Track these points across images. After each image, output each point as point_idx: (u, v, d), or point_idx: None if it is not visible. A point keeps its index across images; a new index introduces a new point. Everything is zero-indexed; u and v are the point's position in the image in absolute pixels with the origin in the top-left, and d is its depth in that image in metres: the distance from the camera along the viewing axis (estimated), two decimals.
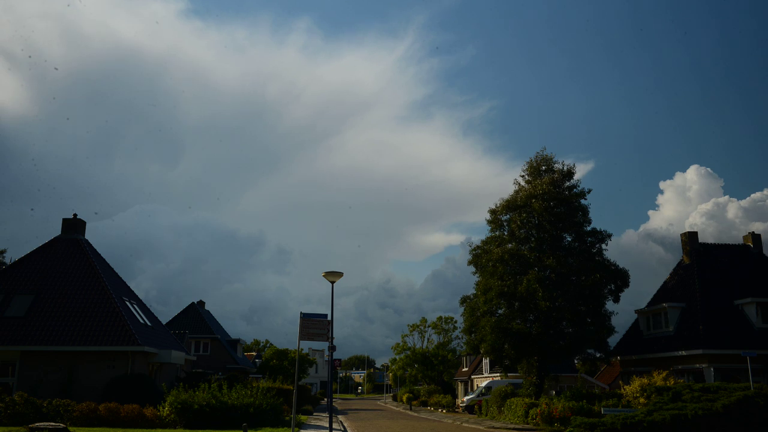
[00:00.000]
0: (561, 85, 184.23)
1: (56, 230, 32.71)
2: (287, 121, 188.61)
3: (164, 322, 42.15)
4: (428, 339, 72.31)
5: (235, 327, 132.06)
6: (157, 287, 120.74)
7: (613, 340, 33.41)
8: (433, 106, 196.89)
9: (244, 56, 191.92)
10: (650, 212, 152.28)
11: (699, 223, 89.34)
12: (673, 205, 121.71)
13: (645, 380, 26.06)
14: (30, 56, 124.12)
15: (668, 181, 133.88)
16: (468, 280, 76.62)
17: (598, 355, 32.85)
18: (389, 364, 78.81)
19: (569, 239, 33.00)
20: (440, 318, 72.14)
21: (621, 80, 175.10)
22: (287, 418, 25.95)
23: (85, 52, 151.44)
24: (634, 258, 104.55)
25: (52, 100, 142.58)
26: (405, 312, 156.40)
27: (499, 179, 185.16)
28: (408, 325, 73.38)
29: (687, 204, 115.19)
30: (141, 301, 33.69)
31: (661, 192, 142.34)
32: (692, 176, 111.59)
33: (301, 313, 20.23)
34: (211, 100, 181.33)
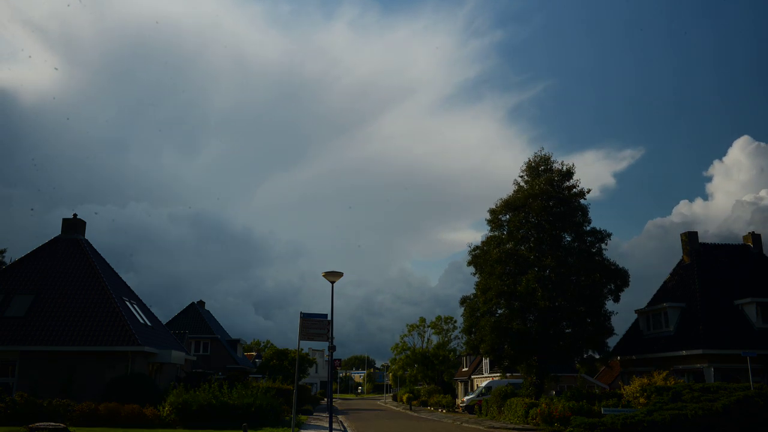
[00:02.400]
0: (626, 65, 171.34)
1: (56, 230, 32.79)
2: (324, 105, 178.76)
3: (164, 322, 42.15)
4: (428, 339, 72.33)
5: (250, 323, 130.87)
6: (166, 285, 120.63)
7: (613, 341, 33.46)
8: (484, 86, 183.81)
9: (287, 31, 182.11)
10: (697, 199, 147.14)
11: (748, 212, 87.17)
12: (723, 192, 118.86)
13: (645, 380, 26.04)
14: (30, 56, 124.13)
15: (718, 167, 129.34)
16: None
17: (597, 356, 32.85)
18: (389, 364, 78.78)
19: (569, 239, 33.00)
20: (440, 318, 72.11)
21: (699, 58, 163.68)
22: (287, 418, 25.95)
23: (114, 33, 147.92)
24: (662, 251, 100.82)
25: (64, 88, 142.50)
26: (420, 305, 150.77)
27: None
28: (407, 325, 73.27)
29: (735, 193, 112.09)
30: (141, 301, 33.68)
31: (710, 179, 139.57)
32: (744, 160, 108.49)
33: (301, 313, 20.24)
34: (243, 83, 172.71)
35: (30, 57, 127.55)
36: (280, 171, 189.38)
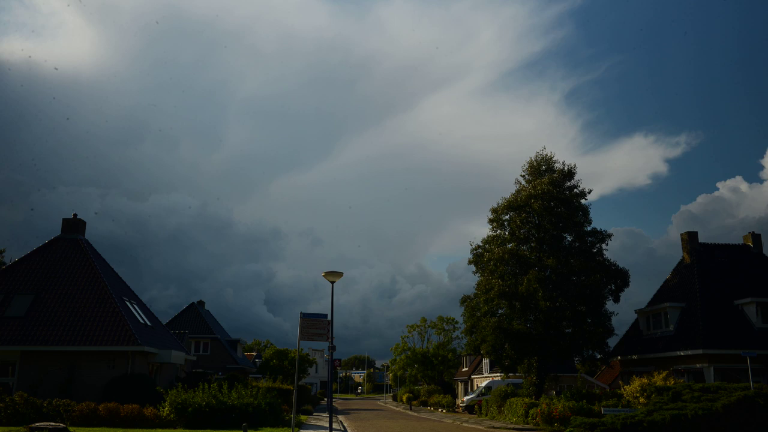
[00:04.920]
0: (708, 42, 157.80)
1: (56, 230, 32.78)
2: (370, 86, 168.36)
3: (164, 322, 42.14)
4: (428, 339, 72.38)
5: (263, 319, 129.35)
6: (178, 282, 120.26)
7: (613, 341, 33.46)
8: (548, 61, 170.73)
9: (340, 3, 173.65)
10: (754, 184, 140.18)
11: None
12: None
13: (645, 380, 26.04)
14: (30, 56, 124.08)
15: None
16: None
17: (597, 356, 32.87)
18: (389, 364, 78.79)
19: (569, 239, 33.02)
20: (440, 318, 72.19)
21: None
22: (287, 417, 25.96)
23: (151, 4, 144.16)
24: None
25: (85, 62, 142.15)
26: (438, 299, 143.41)
27: (588, 158, 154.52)
28: (407, 326, 73.42)
29: None
30: (141, 300, 33.70)
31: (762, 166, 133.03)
32: None
33: (300, 313, 20.23)
34: (283, 63, 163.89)
35: (30, 57, 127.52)
36: (306, 160, 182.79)
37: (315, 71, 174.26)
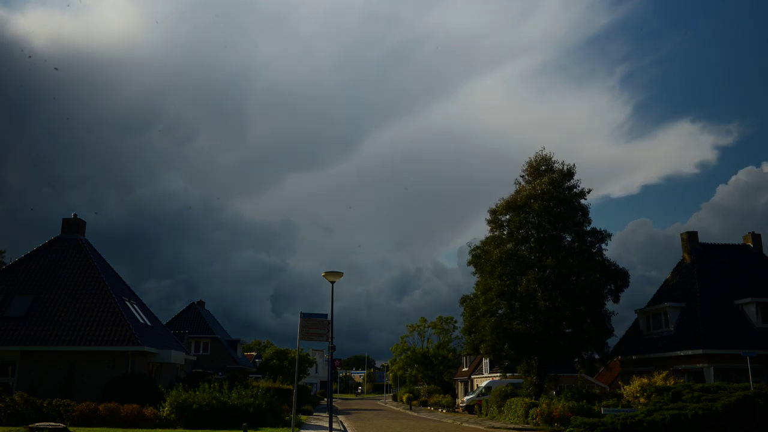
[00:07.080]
0: None
1: (56, 230, 32.78)
2: (411, 68, 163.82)
3: (164, 322, 42.14)
4: (428, 339, 72.39)
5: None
6: (181, 277, 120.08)
7: (613, 341, 33.45)
8: (617, 34, 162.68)
9: None
10: None
11: None
12: None
13: (645, 380, 26.02)
14: (30, 56, 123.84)
15: None
16: None
17: (597, 356, 32.86)
18: (389, 364, 78.81)
19: (569, 239, 33.02)
20: (440, 318, 72.20)
21: None
22: (287, 417, 25.96)
23: None
24: None
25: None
26: (456, 294, 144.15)
27: (634, 145, 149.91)
28: (407, 326, 73.48)
29: None
30: (141, 300, 33.70)
31: None
32: None
33: (300, 313, 20.23)
34: (317, 42, 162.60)
35: (30, 57, 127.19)
36: (328, 153, 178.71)
37: (357, 51, 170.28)
